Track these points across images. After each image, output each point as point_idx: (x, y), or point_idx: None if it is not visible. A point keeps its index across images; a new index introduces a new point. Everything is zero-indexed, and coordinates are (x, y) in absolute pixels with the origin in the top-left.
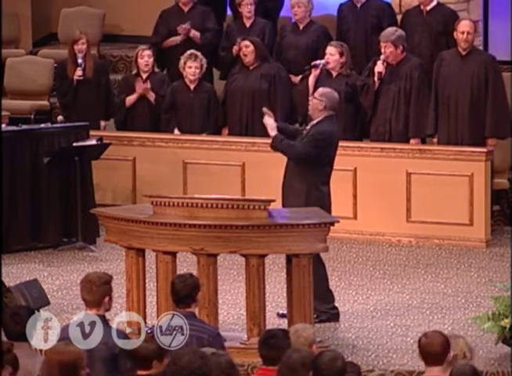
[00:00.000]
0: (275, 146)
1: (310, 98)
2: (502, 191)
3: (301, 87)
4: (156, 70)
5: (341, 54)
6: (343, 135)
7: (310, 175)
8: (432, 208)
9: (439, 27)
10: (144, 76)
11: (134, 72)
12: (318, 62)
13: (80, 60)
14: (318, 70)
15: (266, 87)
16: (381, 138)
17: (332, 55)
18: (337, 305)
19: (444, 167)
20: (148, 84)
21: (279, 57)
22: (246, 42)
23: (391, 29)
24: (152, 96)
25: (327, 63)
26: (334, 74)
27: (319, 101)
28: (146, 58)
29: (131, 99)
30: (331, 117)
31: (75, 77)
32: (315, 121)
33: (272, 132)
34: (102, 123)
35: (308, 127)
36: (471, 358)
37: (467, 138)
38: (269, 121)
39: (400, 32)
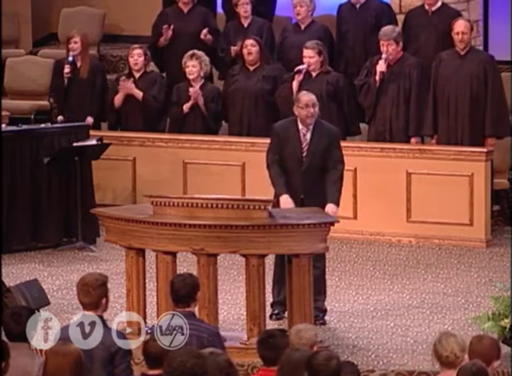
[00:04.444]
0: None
1: (303, 106)
2: (502, 191)
3: (284, 93)
4: (149, 69)
5: (319, 53)
6: None
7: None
8: (432, 208)
9: (445, 28)
10: (136, 75)
11: (126, 72)
12: (301, 67)
13: (70, 58)
14: (301, 76)
15: (268, 88)
16: (381, 137)
17: (311, 57)
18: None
19: (444, 167)
20: (131, 83)
21: (281, 57)
22: (252, 41)
23: (389, 27)
24: (138, 94)
25: (309, 66)
26: (314, 74)
27: (315, 108)
28: (135, 57)
29: (118, 99)
30: None
31: (64, 75)
32: (315, 125)
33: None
34: (89, 119)
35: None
36: (463, 359)
37: (467, 137)
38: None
39: (399, 29)
